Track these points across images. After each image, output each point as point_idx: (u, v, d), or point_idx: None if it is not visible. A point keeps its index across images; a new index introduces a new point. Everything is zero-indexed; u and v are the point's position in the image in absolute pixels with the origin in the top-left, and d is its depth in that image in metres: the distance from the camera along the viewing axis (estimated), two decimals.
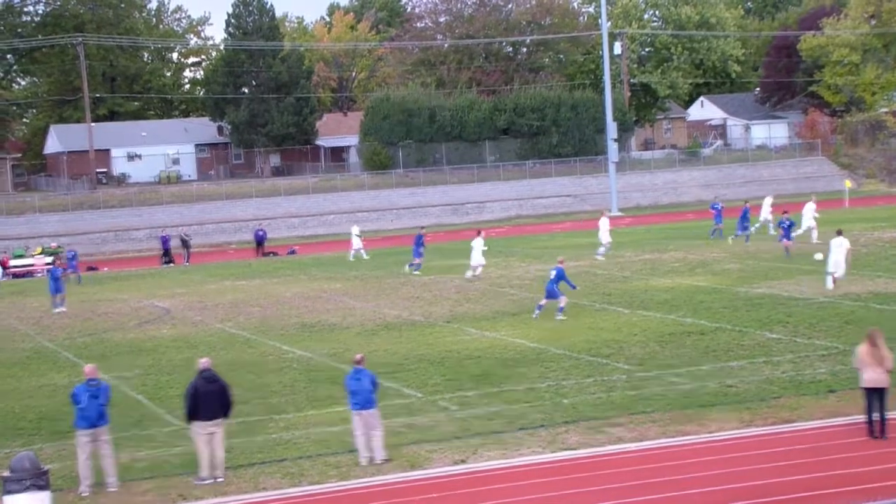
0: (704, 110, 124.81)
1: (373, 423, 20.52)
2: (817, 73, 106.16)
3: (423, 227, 55.46)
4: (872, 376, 20.36)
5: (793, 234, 47.84)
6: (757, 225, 56.81)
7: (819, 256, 41.26)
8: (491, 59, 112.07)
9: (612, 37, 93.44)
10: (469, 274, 46.74)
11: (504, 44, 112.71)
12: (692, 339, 30.53)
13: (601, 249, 52.15)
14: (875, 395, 20.39)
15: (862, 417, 20.76)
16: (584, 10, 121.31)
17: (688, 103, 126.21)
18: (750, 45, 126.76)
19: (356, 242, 59.56)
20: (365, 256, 58.93)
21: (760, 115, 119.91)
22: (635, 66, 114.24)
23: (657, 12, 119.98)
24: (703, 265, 46.83)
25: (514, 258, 54.35)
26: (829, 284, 37.65)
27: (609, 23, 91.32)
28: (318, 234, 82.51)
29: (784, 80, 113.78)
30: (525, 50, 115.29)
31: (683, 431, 21.56)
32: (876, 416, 20.40)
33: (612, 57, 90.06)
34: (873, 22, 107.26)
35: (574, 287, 36.57)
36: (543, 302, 35.80)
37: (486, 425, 22.69)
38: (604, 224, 52.76)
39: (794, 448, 20.09)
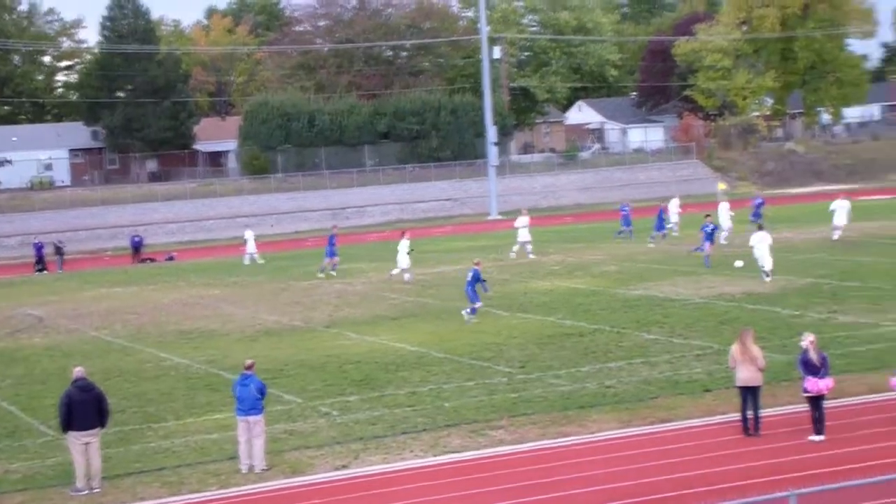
0: (582, 114, 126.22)
1: (256, 430, 20.31)
2: (691, 78, 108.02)
3: (334, 226, 55.23)
4: (746, 375, 20.75)
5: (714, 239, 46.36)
6: (670, 226, 57.56)
7: (739, 264, 41.19)
8: (371, 63, 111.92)
9: (492, 41, 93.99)
10: (395, 272, 46.48)
11: (384, 48, 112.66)
12: (572, 341, 30.80)
13: (516, 248, 52.54)
14: (749, 394, 20.79)
15: (737, 415, 21.14)
16: (463, 14, 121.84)
17: (566, 107, 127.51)
18: (626, 49, 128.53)
19: (251, 246, 59.06)
20: (259, 261, 58.34)
21: (637, 118, 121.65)
22: (514, 70, 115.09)
23: (536, 17, 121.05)
24: (582, 267, 47.30)
25: (394, 263, 54.14)
26: (766, 278, 38.59)
27: (488, 27, 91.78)
28: (197, 239, 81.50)
29: (660, 85, 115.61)
30: (405, 54, 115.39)
31: (564, 433, 21.73)
32: (750, 413, 20.79)
33: (491, 61, 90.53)
34: (744, 28, 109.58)
35: (487, 290, 36.56)
36: (475, 305, 35.51)
37: (368, 430, 22.61)
38: (521, 222, 53.08)
39: (672, 447, 20.37)
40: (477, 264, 36.15)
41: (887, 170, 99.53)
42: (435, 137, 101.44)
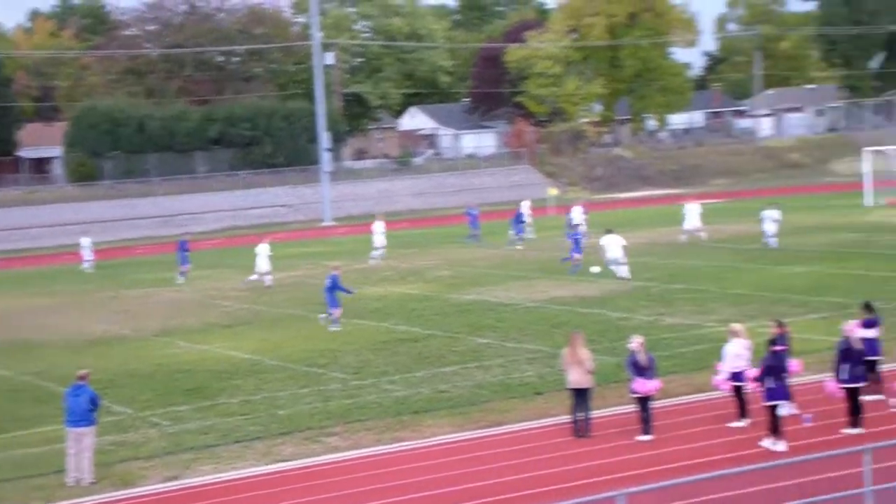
0: (415, 120, 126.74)
1: (86, 442, 19.83)
2: (522, 85, 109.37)
3: (186, 233, 54.29)
4: (576, 377, 21.09)
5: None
6: (523, 225, 58.14)
7: (596, 269, 41.41)
8: (202, 69, 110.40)
9: (324, 47, 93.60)
10: (253, 277, 45.78)
11: (215, 53, 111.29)
12: (405, 347, 30.87)
13: (374, 253, 52.34)
14: (579, 396, 21.12)
15: (568, 417, 21.46)
16: (296, 19, 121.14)
17: (399, 113, 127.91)
18: (458, 56, 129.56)
19: (87, 254, 57.62)
20: (89, 270, 56.92)
21: (470, 124, 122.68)
22: (347, 76, 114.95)
23: (368, 23, 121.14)
24: (415, 273, 47.47)
25: (229, 270, 53.64)
26: (625, 274, 39.22)
27: (321, 33, 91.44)
28: (20, 248, 79.04)
29: (492, 91, 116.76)
30: (237, 59, 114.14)
31: (399, 438, 21.75)
32: (581, 415, 21.12)
33: (324, 67, 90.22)
34: (573, 36, 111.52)
35: (350, 292, 36.19)
36: (334, 312, 34.83)
37: (200, 440, 22.27)
38: (378, 227, 52.94)
39: (504, 450, 20.57)
40: (336, 269, 35.81)
41: (711, 175, 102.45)
42: (268, 143, 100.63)
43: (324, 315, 35.07)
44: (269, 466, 20.33)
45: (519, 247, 54.44)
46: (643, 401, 20.64)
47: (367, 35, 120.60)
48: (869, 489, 13.22)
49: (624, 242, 40.91)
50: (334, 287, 34.84)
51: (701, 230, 50.18)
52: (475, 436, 21.66)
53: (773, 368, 19.50)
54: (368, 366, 28.65)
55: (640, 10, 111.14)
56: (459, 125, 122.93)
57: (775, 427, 19.45)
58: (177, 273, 50.05)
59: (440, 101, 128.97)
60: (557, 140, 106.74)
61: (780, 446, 19.21)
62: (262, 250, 45.59)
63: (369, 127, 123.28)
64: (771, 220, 47.52)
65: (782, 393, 19.52)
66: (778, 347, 19.95)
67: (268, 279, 45.42)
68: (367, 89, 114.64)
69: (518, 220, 56.40)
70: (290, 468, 20.24)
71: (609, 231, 41.63)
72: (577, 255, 44.18)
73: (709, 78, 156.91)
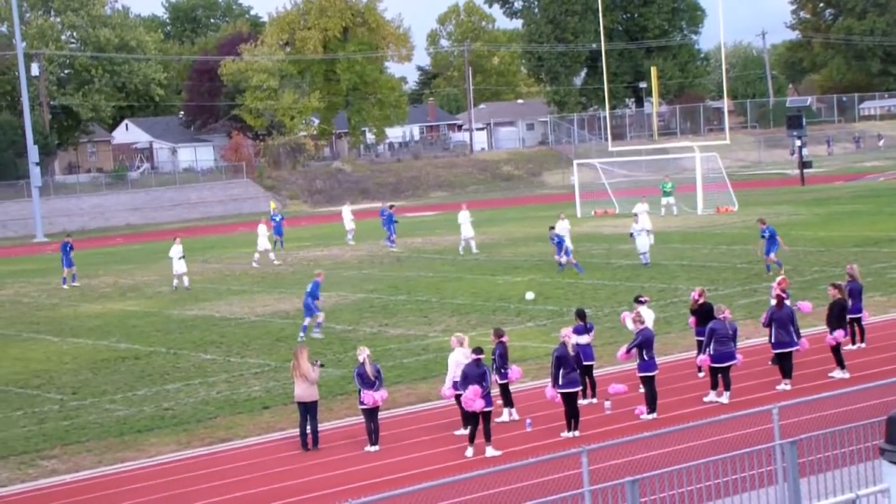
0: (130, 133, 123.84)
1: None
2: (239, 98, 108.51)
3: (67, 235, 51.58)
4: (302, 391, 21.10)
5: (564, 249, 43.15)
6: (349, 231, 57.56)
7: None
8: None
9: (29, 57, 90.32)
10: (175, 282, 44.64)
11: None
12: (127, 365, 30.16)
13: (256, 256, 51.07)
14: (306, 409, 21.14)
15: (296, 431, 21.45)
16: None
17: (113, 126, 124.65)
18: (172, 68, 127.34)
19: None
20: None
21: (186, 138, 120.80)
22: (55, 88, 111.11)
23: (75, 34, 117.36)
24: (135, 289, 46.38)
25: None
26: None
27: (24, 43, 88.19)
28: None
29: (208, 104, 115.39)
30: None
31: (121, 458, 21.25)
32: (308, 428, 21.14)
33: (29, 78, 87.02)
34: (288, 49, 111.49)
35: (316, 305, 33.96)
36: (307, 321, 32.83)
37: None
38: (262, 230, 51.69)
39: (232, 466, 20.39)
40: (318, 276, 34.04)
41: (429, 187, 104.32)
42: None
43: (309, 322, 32.70)
44: None
45: (392, 248, 53.61)
46: (370, 412, 20.84)
47: (74, 46, 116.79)
48: (587, 489, 13.78)
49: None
50: (314, 293, 32.69)
51: (472, 238, 49.99)
52: (202, 453, 21.38)
53: (471, 376, 20.05)
54: (87, 385, 27.84)
55: (354, 24, 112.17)
56: (176, 139, 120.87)
57: (486, 433, 20.09)
58: (63, 277, 48.34)
59: (155, 115, 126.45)
60: (276, 153, 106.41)
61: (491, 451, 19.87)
62: (175, 252, 44.38)
63: (81, 140, 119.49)
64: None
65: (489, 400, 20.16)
66: (479, 356, 20.33)
67: (186, 279, 44.46)
68: (76, 101, 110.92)
69: (388, 222, 54.68)
70: (5, 494, 19.45)
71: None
72: (564, 257, 42.21)
73: (424, 92, 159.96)
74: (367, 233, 58.95)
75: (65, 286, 47.84)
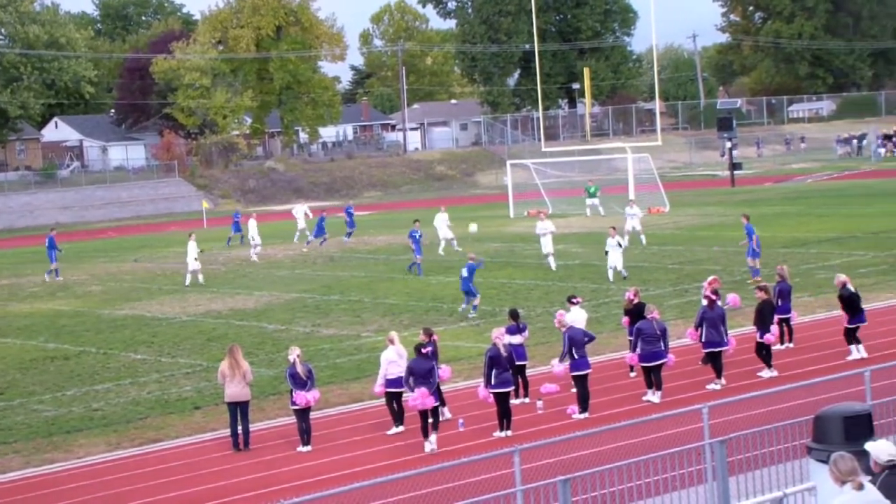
0: (59, 131, 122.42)
1: None
2: (171, 96, 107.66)
3: (52, 229, 51.05)
4: (234, 390, 20.99)
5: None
6: (298, 232, 57.34)
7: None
8: None
9: None
10: (189, 278, 44.06)
11: None
12: (56, 365, 29.83)
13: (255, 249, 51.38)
14: (238, 409, 21.03)
15: (227, 431, 21.33)
16: None
17: (42, 124, 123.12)
18: (103, 66, 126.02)
19: None
20: None
21: (117, 136, 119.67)
22: None
23: (3, 30, 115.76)
24: (65, 288, 45.88)
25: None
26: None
27: None
28: None
29: (139, 103, 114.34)
30: None
31: (50, 459, 21.02)
32: (240, 428, 21.03)
33: None
34: (221, 48, 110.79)
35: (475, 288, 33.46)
36: (475, 299, 33.00)
37: None
38: (252, 225, 52.16)
39: (162, 467, 20.24)
40: (472, 259, 33.68)
41: (362, 187, 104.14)
42: None
43: (464, 306, 33.30)
44: None
45: (308, 248, 53.84)
46: (302, 412, 20.77)
47: (2, 42, 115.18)
48: (519, 489, 13.84)
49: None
50: (472, 274, 32.88)
51: (454, 238, 49.19)
52: (132, 454, 21.21)
53: (418, 372, 20.11)
54: (15, 386, 27.52)
55: (287, 23, 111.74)
56: (107, 137, 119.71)
57: (425, 429, 20.13)
58: (48, 270, 48.59)
59: (85, 113, 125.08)
60: (209, 152, 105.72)
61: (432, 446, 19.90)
62: (191, 248, 43.76)
63: (10, 138, 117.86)
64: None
65: (437, 397, 20.27)
66: (426, 350, 20.47)
67: (201, 276, 43.96)
68: (4, 99, 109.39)
69: (320, 225, 54.38)
70: None
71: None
72: (419, 257, 43.27)
73: (357, 92, 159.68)
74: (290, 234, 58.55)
75: (47, 278, 48.44)
